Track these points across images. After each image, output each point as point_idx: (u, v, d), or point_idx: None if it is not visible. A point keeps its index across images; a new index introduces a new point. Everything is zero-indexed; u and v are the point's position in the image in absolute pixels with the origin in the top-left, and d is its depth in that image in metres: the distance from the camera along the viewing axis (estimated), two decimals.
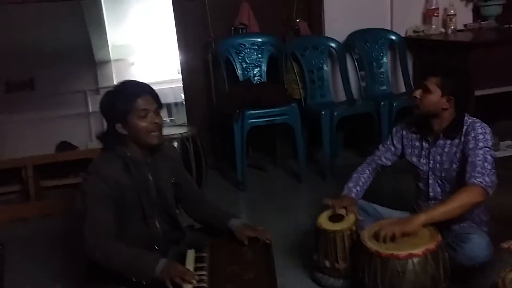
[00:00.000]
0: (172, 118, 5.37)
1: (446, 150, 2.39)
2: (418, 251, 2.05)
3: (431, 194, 2.47)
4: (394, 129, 2.63)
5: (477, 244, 2.20)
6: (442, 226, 2.25)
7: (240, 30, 4.26)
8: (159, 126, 2.20)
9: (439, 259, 2.10)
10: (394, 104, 3.95)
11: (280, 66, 4.19)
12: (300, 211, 3.39)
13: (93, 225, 2.10)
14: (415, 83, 4.28)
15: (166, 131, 3.52)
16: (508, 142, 4.22)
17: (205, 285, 1.97)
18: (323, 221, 2.40)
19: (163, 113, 5.27)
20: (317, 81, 4.21)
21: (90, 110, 5.05)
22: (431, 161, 2.44)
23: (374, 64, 4.32)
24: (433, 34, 4.34)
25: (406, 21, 4.41)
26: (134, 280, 2.07)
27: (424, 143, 2.48)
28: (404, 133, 2.57)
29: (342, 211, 2.40)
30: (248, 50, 4.19)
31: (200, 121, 4.28)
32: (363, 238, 2.20)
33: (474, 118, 2.39)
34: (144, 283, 2.06)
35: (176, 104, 5.40)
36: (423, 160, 2.48)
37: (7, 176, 3.91)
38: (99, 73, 5.06)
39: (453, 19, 4.33)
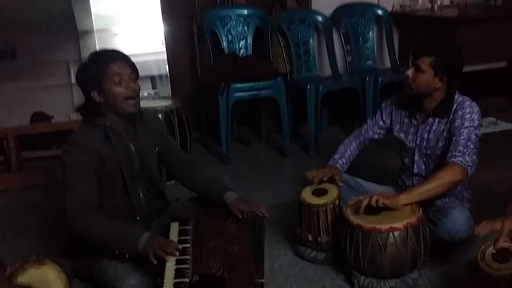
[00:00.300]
0: (156, 91, 5.31)
1: (434, 128, 2.40)
2: (399, 224, 2.08)
3: (415, 170, 2.49)
4: (383, 104, 2.63)
5: (458, 219, 2.24)
6: (424, 201, 2.27)
7: (225, 1, 4.21)
8: (135, 92, 2.17)
9: (420, 233, 2.13)
10: (380, 80, 3.95)
11: (266, 39, 4.15)
12: (283, 185, 3.40)
13: (74, 196, 2.09)
14: (401, 59, 4.30)
15: (150, 104, 3.51)
16: (491, 119, 4.26)
17: (188, 257, 1.98)
18: (307, 195, 2.41)
19: (147, 85, 5.24)
20: (303, 55, 4.19)
21: (73, 81, 4.96)
22: (418, 138, 2.45)
23: (360, 39, 4.30)
24: (419, 10, 4.33)
25: None
26: (117, 252, 2.08)
27: (413, 120, 2.48)
28: (394, 108, 2.56)
29: (326, 185, 2.42)
30: (234, 22, 4.14)
31: (185, 94, 4.25)
32: (345, 212, 2.22)
33: (464, 96, 2.38)
34: (127, 255, 2.06)
35: (160, 76, 5.34)
36: (410, 137, 2.49)
37: None
38: (81, 43, 4.96)
39: None
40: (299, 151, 4.00)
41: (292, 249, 2.55)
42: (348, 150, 2.59)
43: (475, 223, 2.28)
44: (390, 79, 4.01)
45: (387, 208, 2.17)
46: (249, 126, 4.48)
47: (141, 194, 2.30)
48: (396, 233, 2.08)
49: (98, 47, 5.01)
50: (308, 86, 3.80)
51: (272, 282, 2.28)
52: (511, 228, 1.85)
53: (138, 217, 2.28)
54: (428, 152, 2.43)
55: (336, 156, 2.57)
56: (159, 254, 1.94)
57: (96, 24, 5.12)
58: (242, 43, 4.15)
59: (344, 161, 2.56)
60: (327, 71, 4.29)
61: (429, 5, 4.37)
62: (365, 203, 2.16)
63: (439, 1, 4.32)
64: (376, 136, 2.63)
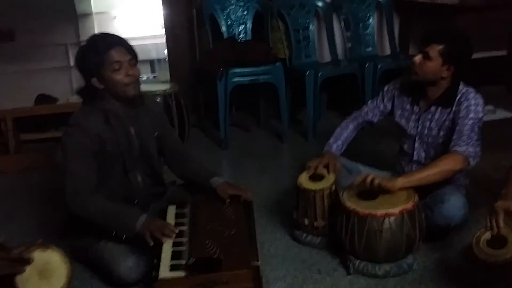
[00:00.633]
0: (155, 75, 5.30)
1: (436, 117, 2.40)
2: (395, 210, 2.09)
3: (415, 157, 2.49)
4: (386, 88, 2.61)
5: (454, 205, 2.25)
6: (421, 187, 2.28)
7: None
8: (135, 78, 2.17)
9: (415, 219, 2.14)
10: (379, 66, 3.94)
11: (265, 24, 4.13)
12: (281, 170, 3.41)
13: (73, 178, 2.10)
14: (401, 46, 4.28)
15: (148, 88, 3.50)
16: (489, 107, 4.25)
17: (185, 240, 1.99)
18: (304, 180, 2.42)
19: (146, 69, 5.23)
20: (303, 41, 4.16)
21: (71, 63, 4.94)
22: (420, 126, 2.45)
23: (360, 25, 4.28)
24: None
25: None
26: (114, 234, 2.09)
27: (415, 107, 2.47)
28: (396, 93, 2.55)
29: (323, 171, 2.42)
30: (234, 6, 4.11)
31: (183, 78, 4.23)
32: (342, 197, 2.23)
33: (468, 87, 2.37)
34: (124, 237, 2.07)
35: (159, 60, 5.32)
36: (412, 124, 2.48)
37: None
38: (80, 26, 4.93)
39: None
40: (297, 137, 4.01)
41: (288, 233, 2.57)
42: (344, 133, 2.58)
43: (471, 209, 2.31)
44: (389, 66, 3.99)
45: (383, 193, 2.18)
46: (248, 111, 4.47)
47: (139, 178, 2.30)
48: (392, 218, 2.09)
49: (97, 30, 5.00)
50: (307, 72, 3.79)
51: (268, 266, 2.29)
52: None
53: (136, 201, 2.29)
54: (429, 140, 2.42)
55: (331, 140, 2.56)
56: (156, 236, 1.96)
57: (95, 7, 5.09)
58: (241, 27, 4.13)
59: (340, 143, 2.55)
60: (327, 57, 4.28)
61: None
62: (361, 178, 2.17)
63: None
64: (375, 119, 2.62)
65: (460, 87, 2.36)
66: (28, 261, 1.76)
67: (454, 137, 2.26)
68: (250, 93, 4.21)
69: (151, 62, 5.30)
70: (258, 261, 1.87)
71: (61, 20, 4.84)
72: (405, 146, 2.54)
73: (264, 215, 2.73)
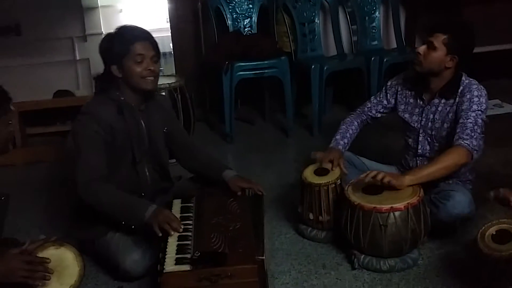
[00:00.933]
0: (161, 68, 5.29)
1: (439, 109, 2.39)
2: (400, 205, 2.09)
3: (419, 151, 2.49)
4: (389, 83, 2.61)
5: (460, 202, 2.24)
6: (427, 182, 2.27)
7: None
8: (154, 73, 2.19)
9: (420, 214, 2.14)
10: (385, 60, 3.93)
11: (271, 17, 4.12)
12: (286, 164, 3.41)
13: (85, 167, 2.10)
14: (407, 39, 4.26)
15: None
16: (496, 101, 4.23)
17: (190, 234, 1.99)
18: (309, 174, 2.42)
19: None
20: (308, 34, 4.15)
21: (77, 57, 4.96)
22: (424, 119, 2.44)
23: (367, 18, 4.26)
24: None
25: None
26: (123, 223, 2.10)
27: (418, 101, 2.47)
28: (399, 88, 2.55)
29: (328, 165, 2.42)
30: (239, 0, 4.10)
31: (189, 72, 4.24)
32: (347, 192, 2.23)
33: (471, 79, 2.36)
34: (133, 226, 2.09)
35: (164, 54, 5.31)
36: (415, 118, 2.48)
37: None
38: (86, 20, 4.94)
39: None
40: (302, 131, 4.00)
41: (293, 227, 2.57)
42: (349, 129, 2.58)
43: (477, 205, 2.31)
44: (395, 59, 3.98)
45: (388, 188, 2.18)
46: (253, 105, 4.47)
47: (147, 171, 2.31)
48: (397, 213, 2.09)
49: (102, 23, 5.00)
50: (313, 66, 3.78)
51: (273, 260, 2.30)
52: None
53: (142, 194, 2.29)
54: (433, 133, 2.42)
55: (338, 137, 2.56)
56: (164, 227, 1.96)
57: (100, 0, 5.09)
58: (247, 21, 4.12)
59: (346, 141, 2.55)
60: (332, 51, 4.27)
61: None
62: (372, 174, 2.18)
63: None
64: (379, 115, 2.63)
65: (463, 78, 2.36)
66: (45, 270, 1.77)
67: (458, 130, 2.25)
68: (255, 87, 4.21)
69: None
70: (263, 255, 1.88)
71: (67, 13, 4.85)
72: (410, 140, 2.54)
73: (269, 209, 2.73)
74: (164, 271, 1.79)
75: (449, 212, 2.23)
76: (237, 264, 1.78)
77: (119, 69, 2.16)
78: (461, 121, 2.26)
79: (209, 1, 4.04)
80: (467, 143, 2.20)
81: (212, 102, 4.27)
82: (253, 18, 4.13)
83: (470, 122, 2.24)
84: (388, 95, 2.58)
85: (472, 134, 2.22)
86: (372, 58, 3.93)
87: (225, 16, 4.08)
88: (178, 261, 1.83)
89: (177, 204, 2.23)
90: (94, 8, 5.03)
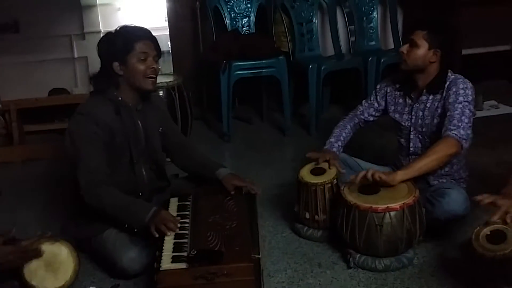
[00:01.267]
0: (159, 67, 5.29)
1: (428, 105, 2.42)
2: (395, 205, 2.10)
3: (411, 149, 2.51)
4: (378, 86, 2.66)
5: (455, 199, 2.26)
6: (421, 181, 2.30)
7: None
8: (155, 72, 2.21)
9: (416, 214, 2.15)
10: (382, 60, 3.94)
11: (269, 17, 4.13)
12: (283, 164, 3.42)
13: (86, 168, 2.11)
14: (404, 40, 4.26)
15: None
16: (492, 102, 4.25)
17: (186, 232, 2.01)
18: (305, 174, 2.43)
19: None
20: (306, 34, 4.17)
21: (76, 55, 4.96)
22: (413, 117, 2.47)
23: (364, 18, 4.28)
24: None
25: None
26: (126, 226, 2.11)
27: (407, 100, 2.50)
28: (388, 90, 2.59)
29: (324, 165, 2.44)
30: None
31: (187, 70, 4.24)
32: (343, 191, 2.24)
33: (457, 75, 2.42)
34: (135, 229, 2.10)
35: (162, 52, 5.31)
36: (405, 116, 2.51)
37: None
38: (84, 18, 4.95)
39: None
40: (299, 130, 4.01)
41: (289, 226, 2.58)
42: (343, 133, 2.61)
43: (471, 205, 2.32)
44: (392, 60, 3.98)
45: (384, 188, 2.20)
46: (251, 104, 4.48)
47: (144, 171, 2.32)
48: (393, 213, 2.10)
49: (101, 21, 5.01)
50: (310, 66, 3.79)
51: (269, 258, 2.31)
52: (508, 208, 1.87)
53: (140, 194, 2.30)
54: (423, 129, 2.45)
55: (332, 139, 2.58)
56: (160, 228, 1.98)
57: None
58: (245, 20, 4.13)
59: (340, 144, 2.58)
60: (330, 51, 4.27)
61: None
62: (362, 174, 2.19)
63: None
64: (371, 118, 2.66)
65: (449, 74, 2.41)
66: (38, 254, 1.78)
67: (445, 122, 2.29)
68: (253, 86, 4.22)
69: None
70: (259, 254, 1.89)
71: (66, 11, 4.85)
72: (402, 140, 2.57)
73: (266, 208, 2.74)
74: (160, 269, 1.80)
75: (444, 209, 2.25)
76: (233, 262, 1.79)
77: (121, 66, 2.16)
78: (448, 113, 2.30)
79: (207, 0, 4.05)
80: (454, 133, 2.22)
81: (209, 101, 4.28)
82: (251, 17, 4.14)
83: (457, 113, 2.27)
84: (378, 97, 2.61)
85: (459, 124, 2.24)
86: (370, 58, 3.94)
87: (223, 15, 4.09)
88: (174, 259, 1.84)
89: (174, 203, 2.24)
90: (92, 6, 5.03)
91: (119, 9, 5.29)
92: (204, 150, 2.85)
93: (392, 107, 2.57)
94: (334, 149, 2.54)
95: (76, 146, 2.14)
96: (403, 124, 2.52)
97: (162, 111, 2.45)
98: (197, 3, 4.15)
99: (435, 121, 2.40)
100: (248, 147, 3.78)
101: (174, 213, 2.14)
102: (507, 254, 1.80)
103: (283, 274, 2.22)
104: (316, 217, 2.39)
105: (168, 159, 2.52)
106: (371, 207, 2.12)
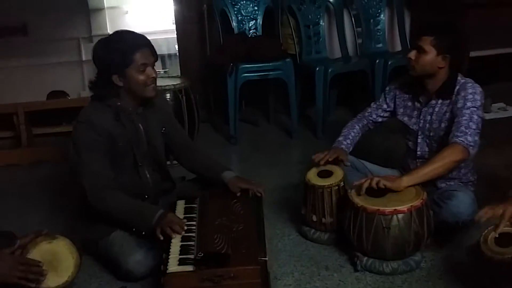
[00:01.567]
0: (166, 70, 5.32)
1: (436, 109, 2.41)
2: (403, 207, 2.09)
3: (418, 153, 2.50)
4: (387, 88, 2.64)
5: (462, 202, 2.24)
6: (429, 184, 2.28)
7: None
8: (155, 79, 2.21)
9: (423, 216, 2.14)
10: (389, 63, 3.93)
11: (276, 20, 4.13)
12: (290, 166, 3.42)
13: (91, 174, 2.12)
14: (411, 42, 4.25)
15: (159, 83, 3.49)
16: (500, 104, 4.22)
17: (193, 235, 2.01)
18: (312, 176, 2.42)
19: (157, 64, 5.24)
20: (313, 37, 4.16)
21: (84, 58, 4.99)
22: (422, 121, 2.46)
23: (371, 21, 4.27)
24: None
25: None
26: (134, 229, 2.12)
27: (416, 103, 2.49)
28: (398, 92, 2.57)
29: (331, 167, 2.43)
30: (244, 2, 4.12)
31: (194, 73, 4.25)
32: (350, 194, 2.24)
33: (466, 79, 2.39)
34: (143, 232, 2.10)
35: (169, 55, 5.35)
36: (413, 120, 2.50)
37: None
38: (92, 21, 4.98)
39: None
40: (306, 133, 4.01)
41: (296, 229, 2.58)
42: (351, 132, 2.60)
43: (479, 207, 2.30)
44: (400, 62, 3.96)
45: (392, 191, 2.19)
46: (257, 107, 4.48)
47: (147, 174, 2.32)
48: (400, 216, 2.09)
49: (109, 24, 5.04)
50: (317, 68, 3.79)
51: (276, 261, 2.31)
52: None
53: (146, 196, 2.31)
54: (431, 134, 2.43)
55: (341, 138, 2.58)
56: (166, 231, 1.98)
57: (107, 2, 5.13)
58: (252, 23, 4.14)
59: (349, 142, 2.57)
60: (337, 53, 4.27)
61: None
62: (366, 185, 2.18)
63: None
64: (379, 120, 2.65)
65: (458, 78, 2.38)
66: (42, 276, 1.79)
67: (453, 128, 2.27)
68: (260, 88, 4.22)
69: (162, 57, 5.32)
70: (265, 256, 1.89)
71: (74, 14, 4.89)
72: (410, 143, 2.56)
73: (273, 211, 2.74)
74: (167, 272, 1.81)
75: (452, 211, 2.24)
76: (240, 265, 1.79)
77: (120, 78, 2.15)
78: (456, 119, 2.28)
79: (214, 3, 4.06)
80: (461, 140, 2.21)
81: (216, 103, 4.29)
82: (258, 20, 4.14)
83: (465, 119, 2.25)
84: (387, 99, 2.60)
85: (467, 130, 2.22)
86: (377, 61, 3.93)
87: (230, 18, 4.10)
88: (181, 262, 1.85)
89: (180, 205, 2.24)
90: (100, 9, 5.06)
91: (126, 12, 5.32)
92: (211, 153, 2.85)
93: (401, 110, 2.56)
94: (343, 146, 2.53)
95: (79, 153, 2.16)
96: (411, 127, 2.51)
97: (165, 112, 2.44)
98: (204, 6, 4.16)
99: (443, 125, 2.39)
100: (254, 149, 3.78)
101: (181, 216, 2.14)
102: None
103: (290, 277, 2.22)
104: (323, 219, 2.38)
105: (175, 162, 2.52)
106: (378, 209, 2.11)
